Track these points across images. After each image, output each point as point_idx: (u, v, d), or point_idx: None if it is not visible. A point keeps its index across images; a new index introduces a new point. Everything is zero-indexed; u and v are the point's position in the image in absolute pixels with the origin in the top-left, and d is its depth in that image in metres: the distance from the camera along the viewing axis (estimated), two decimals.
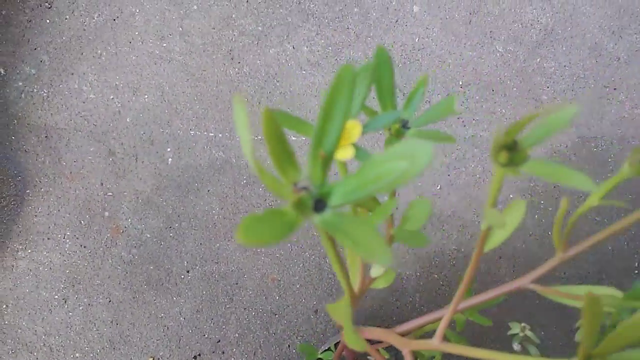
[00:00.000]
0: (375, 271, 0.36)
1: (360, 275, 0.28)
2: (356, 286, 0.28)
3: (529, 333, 0.54)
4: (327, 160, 0.18)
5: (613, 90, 0.87)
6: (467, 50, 0.89)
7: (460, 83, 0.88)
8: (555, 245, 0.27)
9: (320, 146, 0.18)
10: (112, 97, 0.87)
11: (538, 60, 0.89)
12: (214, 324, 0.78)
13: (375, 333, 0.34)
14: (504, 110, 0.86)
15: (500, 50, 0.89)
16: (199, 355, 0.77)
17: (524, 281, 0.29)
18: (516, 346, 0.53)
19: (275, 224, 0.16)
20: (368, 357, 0.59)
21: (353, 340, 0.26)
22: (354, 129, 0.21)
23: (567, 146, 0.85)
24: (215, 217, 0.83)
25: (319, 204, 0.17)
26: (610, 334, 0.20)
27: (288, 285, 0.80)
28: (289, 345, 0.78)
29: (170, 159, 0.85)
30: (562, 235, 0.27)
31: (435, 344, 0.28)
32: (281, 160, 0.17)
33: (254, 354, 0.77)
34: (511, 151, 0.18)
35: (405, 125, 0.26)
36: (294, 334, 0.78)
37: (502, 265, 0.80)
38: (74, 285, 0.80)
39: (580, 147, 0.85)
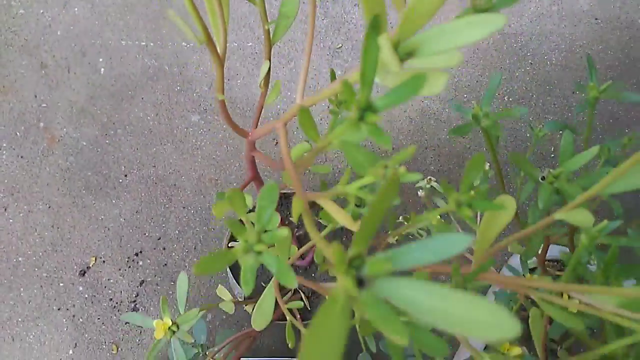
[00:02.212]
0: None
1: (222, 34, 0.30)
2: (220, 47, 0.31)
3: (434, 184, 0.58)
4: None
5: None
6: None
7: None
8: None
9: None
10: (42, 11, 0.87)
11: None
12: (153, 223, 0.81)
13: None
14: None
15: None
16: (141, 252, 0.80)
17: None
18: (420, 192, 0.57)
19: None
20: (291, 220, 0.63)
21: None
22: None
23: (488, 43, 0.89)
24: (151, 123, 0.84)
25: None
26: None
27: (225, 184, 0.82)
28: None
29: (102, 69, 0.86)
30: None
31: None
32: None
33: (194, 249, 0.80)
34: None
35: None
36: None
37: (428, 155, 0.84)
38: (12, 194, 0.81)
39: (502, 43, 0.89)
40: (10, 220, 0.81)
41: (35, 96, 0.85)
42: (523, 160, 0.40)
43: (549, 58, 0.89)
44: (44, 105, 0.85)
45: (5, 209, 0.81)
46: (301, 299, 0.60)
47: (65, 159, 0.83)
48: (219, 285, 0.53)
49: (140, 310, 0.78)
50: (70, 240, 0.80)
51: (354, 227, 0.26)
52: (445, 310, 0.17)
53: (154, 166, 0.83)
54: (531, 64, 0.88)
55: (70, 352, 0.76)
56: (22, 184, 0.82)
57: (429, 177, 0.60)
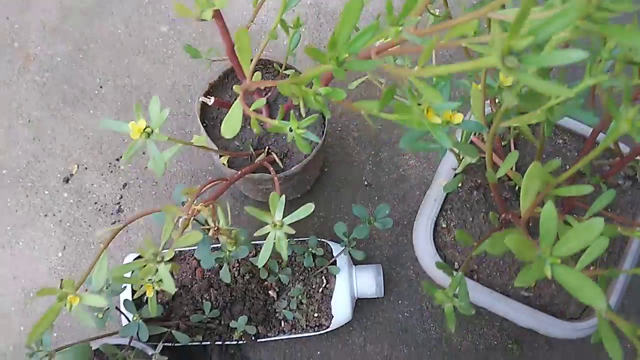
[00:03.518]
0: None
1: None
2: None
3: None
4: None
5: None
6: None
7: None
8: None
9: None
10: None
11: None
12: None
13: None
14: None
15: None
16: (121, 157, 0.82)
17: None
18: None
19: None
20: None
21: None
22: None
23: None
24: (122, 36, 0.87)
25: None
26: None
27: (197, 89, 0.85)
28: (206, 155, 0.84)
29: None
30: None
31: None
32: None
33: (173, 156, 0.82)
34: None
35: None
36: None
37: None
38: None
39: None
40: None
41: (7, 18, 0.87)
42: None
43: None
44: (17, 26, 0.87)
45: None
46: (274, 160, 0.63)
47: (42, 75, 0.85)
48: (194, 135, 0.56)
49: (125, 211, 0.80)
50: (52, 151, 0.82)
51: None
52: None
53: (128, 76, 0.85)
54: None
55: (60, 254, 0.79)
56: (1, 102, 0.84)
57: None
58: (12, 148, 0.82)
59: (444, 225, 0.61)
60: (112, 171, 0.82)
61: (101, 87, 0.85)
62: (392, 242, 0.79)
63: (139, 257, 0.72)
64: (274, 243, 0.44)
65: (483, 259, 0.61)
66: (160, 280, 0.48)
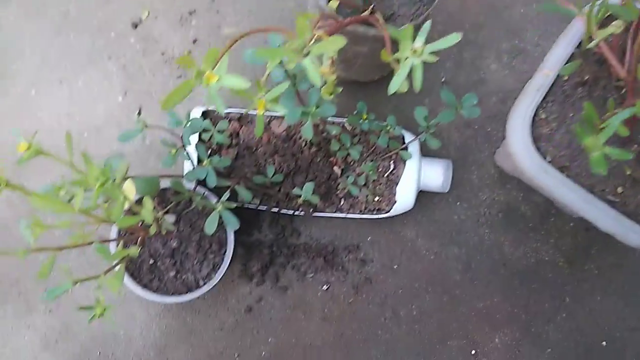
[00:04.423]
0: None
1: None
2: None
3: None
4: None
5: None
6: None
7: None
8: None
9: None
10: None
11: None
12: None
13: None
14: None
15: None
16: (195, 11, 0.78)
17: None
18: None
19: None
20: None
21: None
22: None
23: None
24: None
25: None
26: None
27: None
28: (282, 9, 0.80)
29: None
30: None
31: None
32: None
33: (249, 14, 0.79)
34: None
35: None
36: None
37: None
38: None
39: None
40: None
41: None
42: None
43: None
44: None
45: None
46: (378, 20, 0.60)
47: None
48: None
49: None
50: None
51: None
52: None
53: None
54: None
55: (120, 99, 0.76)
56: None
57: None
58: None
59: (543, 117, 0.59)
60: (182, 25, 0.78)
61: None
62: (460, 144, 0.77)
63: (205, 111, 0.70)
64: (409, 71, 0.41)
65: (576, 157, 0.59)
66: (273, 100, 0.46)
